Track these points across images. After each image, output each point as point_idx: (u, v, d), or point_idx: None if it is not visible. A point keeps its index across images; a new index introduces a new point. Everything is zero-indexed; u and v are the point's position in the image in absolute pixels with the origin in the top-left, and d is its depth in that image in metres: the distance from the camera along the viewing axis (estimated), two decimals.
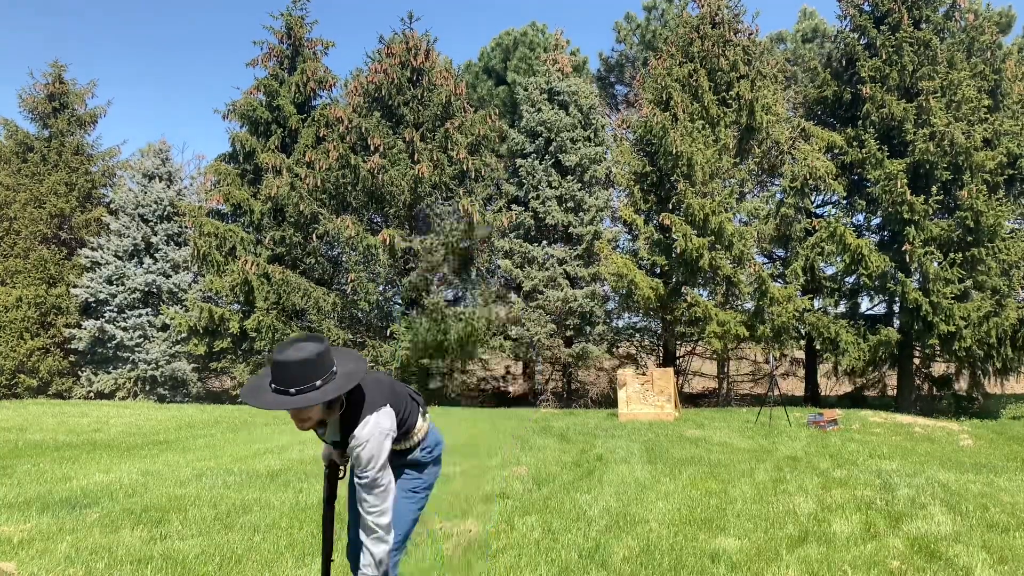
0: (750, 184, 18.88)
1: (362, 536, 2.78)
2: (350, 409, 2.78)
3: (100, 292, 19.84)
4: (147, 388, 19.64)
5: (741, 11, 19.06)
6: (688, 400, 18.66)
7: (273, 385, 2.63)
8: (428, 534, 5.03)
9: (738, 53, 18.27)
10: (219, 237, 19.46)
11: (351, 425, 2.75)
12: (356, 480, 2.75)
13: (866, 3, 18.16)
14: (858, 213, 18.14)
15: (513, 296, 19.05)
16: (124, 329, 19.67)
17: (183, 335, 19.59)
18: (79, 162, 21.73)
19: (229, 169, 20.39)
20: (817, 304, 17.98)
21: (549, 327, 18.22)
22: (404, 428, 3.00)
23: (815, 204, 18.92)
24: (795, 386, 21.27)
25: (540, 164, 19.06)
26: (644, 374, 13.91)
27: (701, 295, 17.40)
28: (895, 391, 18.30)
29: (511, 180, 19.90)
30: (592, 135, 19.52)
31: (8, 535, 4.93)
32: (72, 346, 19.93)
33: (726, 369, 20.12)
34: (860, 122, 17.36)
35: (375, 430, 2.73)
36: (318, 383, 2.62)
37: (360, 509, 2.77)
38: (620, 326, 20.16)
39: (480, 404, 19.47)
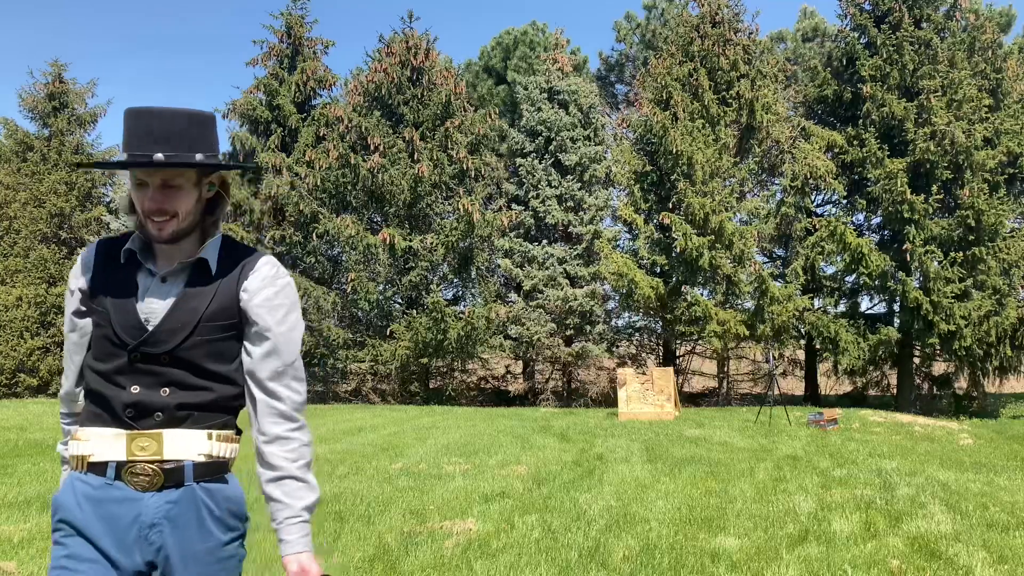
0: (750, 183, 18.88)
1: (287, 430, 1.69)
2: (227, 241, 1.81)
3: None
4: None
5: (741, 10, 19.06)
6: (688, 399, 18.65)
7: (128, 152, 1.63)
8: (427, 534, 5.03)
9: (738, 52, 18.26)
10: None
11: (232, 258, 1.75)
12: (269, 342, 1.69)
13: (867, 2, 18.15)
14: (858, 212, 18.14)
15: (513, 295, 19.05)
16: None
17: None
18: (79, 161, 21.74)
19: None
20: (817, 303, 17.98)
21: (549, 326, 18.22)
22: (241, 400, 1.74)
23: (815, 203, 18.93)
24: (795, 385, 21.27)
25: (540, 163, 19.05)
26: (644, 373, 13.91)
27: (701, 294, 17.40)
28: (895, 390, 18.30)
29: (511, 179, 19.90)
30: (592, 134, 19.51)
31: (8, 535, 4.93)
32: None
33: (726, 368, 20.13)
34: (860, 121, 17.36)
35: (286, 272, 1.79)
36: (198, 156, 1.65)
37: (278, 392, 1.69)
38: (620, 325, 20.16)
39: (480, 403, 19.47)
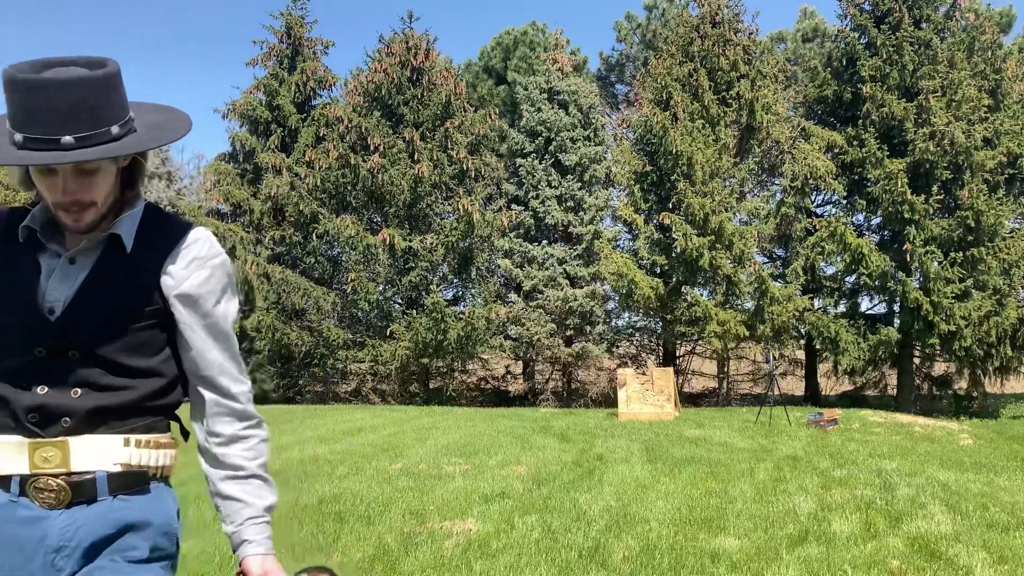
0: (750, 184, 18.88)
1: (243, 428, 1.53)
2: (150, 213, 1.48)
3: None
4: None
5: (741, 11, 19.06)
6: (688, 400, 18.65)
7: (24, 134, 1.28)
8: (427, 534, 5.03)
9: (738, 53, 18.26)
10: (219, 237, 19.30)
11: (154, 234, 1.44)
12: (206, 335, 1.46)
13: (866, 3, 18.16)
14: (858, 213, 18.14)
15: (513, 296, 19.05)
16: None
17: None
18: None
19: (229, 169, 20.39)
20: (817, 304, 17.98)
21: (549, 327, 18.22)
22: (172, 396, 1.51)
23: (815, 204, 18.92)
24: (795, 386, 21.27)
25: (540, 164, 19.05)
26: (644, 374, 13.90)
27: (701, 295, 17.40)
28: (895, 391, 18.30)
29: (511, 180, 19.89)
30: (592, 135, 19.51)
31: None
32: None
33: (726, 369, 20.12)
34: (860, 121, 17.36)
35: (220, 249, 1.51)
36: (114, 129, 1.35)
37: (227, 388, 1.50)
38: (620, 326, 20.16)
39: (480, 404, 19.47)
